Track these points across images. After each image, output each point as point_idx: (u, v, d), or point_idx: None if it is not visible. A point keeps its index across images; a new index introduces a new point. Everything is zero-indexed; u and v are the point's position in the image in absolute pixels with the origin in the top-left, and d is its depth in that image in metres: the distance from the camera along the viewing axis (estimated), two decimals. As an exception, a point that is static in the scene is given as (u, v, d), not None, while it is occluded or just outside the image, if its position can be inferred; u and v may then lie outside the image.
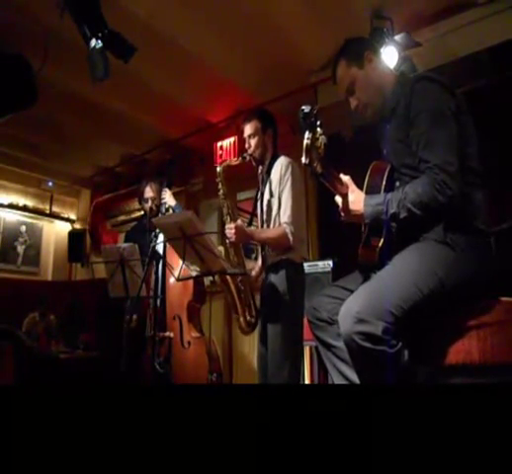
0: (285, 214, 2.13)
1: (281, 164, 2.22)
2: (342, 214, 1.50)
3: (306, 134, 1.14)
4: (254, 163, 2.34)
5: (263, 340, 2.17)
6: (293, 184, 2.17)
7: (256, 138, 2.28)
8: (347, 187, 1.44)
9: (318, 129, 1.15)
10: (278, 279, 2.13)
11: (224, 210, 2.34)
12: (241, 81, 3.91)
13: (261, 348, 2.20)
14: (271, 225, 2.23)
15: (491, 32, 3.00)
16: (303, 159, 1.16)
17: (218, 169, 2.35)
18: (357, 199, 1.42)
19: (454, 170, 1.29)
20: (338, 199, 1.48)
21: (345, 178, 1.45)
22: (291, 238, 2.10)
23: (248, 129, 2.30)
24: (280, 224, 2.15)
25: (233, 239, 2.10)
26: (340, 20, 3.16)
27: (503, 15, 2.96)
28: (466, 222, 1.35)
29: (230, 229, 2.09)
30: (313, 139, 1.14)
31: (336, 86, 1.64)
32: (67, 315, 5.27)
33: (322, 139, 1.15)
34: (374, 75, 1.56)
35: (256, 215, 2.37)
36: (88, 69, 2.24)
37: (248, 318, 2.23)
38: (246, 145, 2.34)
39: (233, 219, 2.25)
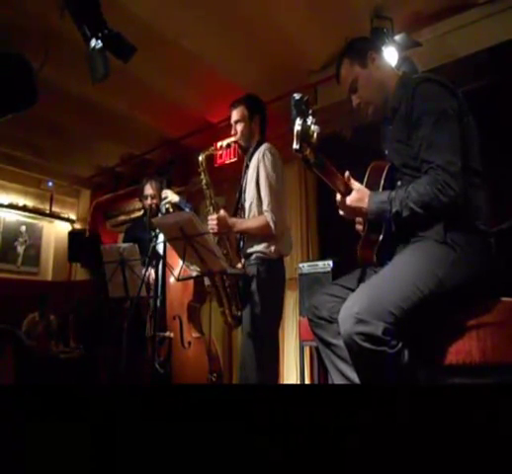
0: (264, 202, 2.08)
1: (260, 150, 2.16)
2: (340, 212, 1.50)
3: (297, 120, 1.13)
4: (240, 150, 2.31)
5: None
6: (268, 171, 2.09)
7: (242, 124, 2.24)
8: (348, 185, 1.43)
9: (310, 118, 1.13)
10: (249, 275, 2.09)
11: (207, 201, 2.29)
12: (241, 81, 3.91)
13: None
14: (247, 213, 2.18)
15: (491, 32, 3.01)
16: (294, 145, 1.13)
17: (201, 158, 2.30)
18: (362, 197, 1.41)
19: (456, 170, 1.30)
20: (338, 198, 1.48)
21: (345, 174, 1.44)
22: (273, 226, 2.05)
23: (235, 115, 2.26)
24: (260, 213, 2.10)
25: (215, 230, 2.07)
26: (340, 20, 3.16)
27: (503, 15, 2.97)
28: (466, 222, 1.35)
29: (212, 220, 2.06)
30: (305, 126, 1.12)
31: (339, 85, 1.65)
32: (67, 315, 5.27)
33: (315, 129, 1.13)
34: (376, 74, 1.57)
35: (241, 204, 2.32)
36: (88, 69, 2.25)
37: (234, 312, 2.19)
38: (232, 131, 2.30)
39: (216, 210, 2.22)
